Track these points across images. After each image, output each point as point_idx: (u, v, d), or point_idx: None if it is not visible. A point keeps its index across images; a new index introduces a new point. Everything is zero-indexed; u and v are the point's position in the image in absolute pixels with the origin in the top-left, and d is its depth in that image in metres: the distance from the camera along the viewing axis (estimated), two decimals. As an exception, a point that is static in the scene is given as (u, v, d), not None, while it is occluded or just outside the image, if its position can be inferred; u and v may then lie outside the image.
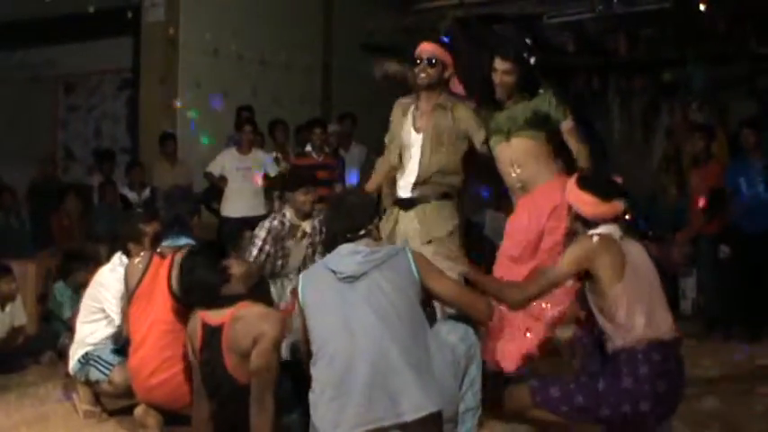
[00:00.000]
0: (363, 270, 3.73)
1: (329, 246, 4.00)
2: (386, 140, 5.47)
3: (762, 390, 5.55)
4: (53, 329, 7.16)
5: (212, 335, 4.07)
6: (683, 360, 3.89)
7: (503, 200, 11.72)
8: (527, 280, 4.27)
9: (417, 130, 5.19)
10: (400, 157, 5.22)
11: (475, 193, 12.05)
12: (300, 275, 4.02)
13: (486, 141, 5.14)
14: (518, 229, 4.97)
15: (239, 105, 9.88)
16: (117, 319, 5.03)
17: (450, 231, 5.12)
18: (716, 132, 8.86)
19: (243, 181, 9.04)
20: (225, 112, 9.99)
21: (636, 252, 3.93)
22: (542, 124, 5.04)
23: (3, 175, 10.06)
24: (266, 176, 9.13)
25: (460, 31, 10.97)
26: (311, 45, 12.17)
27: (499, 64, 5.08)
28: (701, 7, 9.68)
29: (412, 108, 5.26)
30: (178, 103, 10.17)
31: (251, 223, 8.71)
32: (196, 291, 4.21)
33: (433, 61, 5.12)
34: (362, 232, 3.90)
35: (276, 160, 9.35)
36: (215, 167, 9.16)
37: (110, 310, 5.07)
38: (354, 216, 3.94)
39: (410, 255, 3.82)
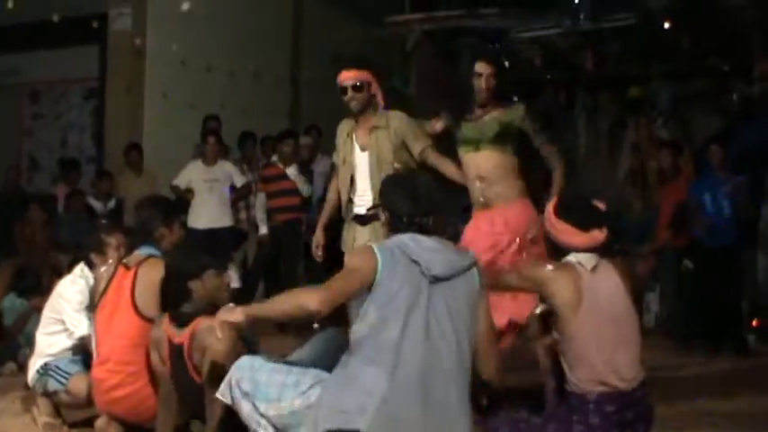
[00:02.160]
0: (451, 273, 3.38)
1: (393, 229, 3.56)
2: (335, 161, 5.58)
3: (720, 403, 5.60)
4: (14, 341, 7.07)
5: (177, 353, 4.07)
6: (649, 406, 3.67)
7: (465, 213, 11.82)
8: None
9: (362, 149, 5.27)
10: (352, 177, 5.30)
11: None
12: (377, 250, 3.39)
13: (426, 149, 5.20)
14: (469, 243, 4.92)
15: (205, 115, 9.83)
16: (77, 332, 4.98)
17: None
18: (683, 148, 8.95)
19: (209, 193, 9.00)
20: (192, 123, 9.94)
21: (607, 286, 3.64)
22: (512, 138, 5.06)
23: (-34, 184, 9.97)
24: (233, 187, 9.11)
25: (429, 45, 11.04)
26: (280, 56, 12.15)
27: (484, 68, 5.10)
28: (666, 24, 9.79)
29: (354, 128, 5.35)
30: (144, 114, 10.13)
31: (217, 234, 8.73)
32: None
33: (358, 85, 5.17)
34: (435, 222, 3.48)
35: (243, 171, 9.34)
36: (181, 180, 9.10)
37: (69, 322, 5.01)
38: (432, 201, 3.51)
39: (477, 269, 3.49)
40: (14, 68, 11.61)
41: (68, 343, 5.04)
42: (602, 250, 3.70)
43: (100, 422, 4.63)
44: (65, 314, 5.03)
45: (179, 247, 4.56)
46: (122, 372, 4.47)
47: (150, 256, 4.62)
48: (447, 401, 3.27)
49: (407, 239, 3.41)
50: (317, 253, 5.54)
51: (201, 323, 3.96)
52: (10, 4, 8.54)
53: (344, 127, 5.44)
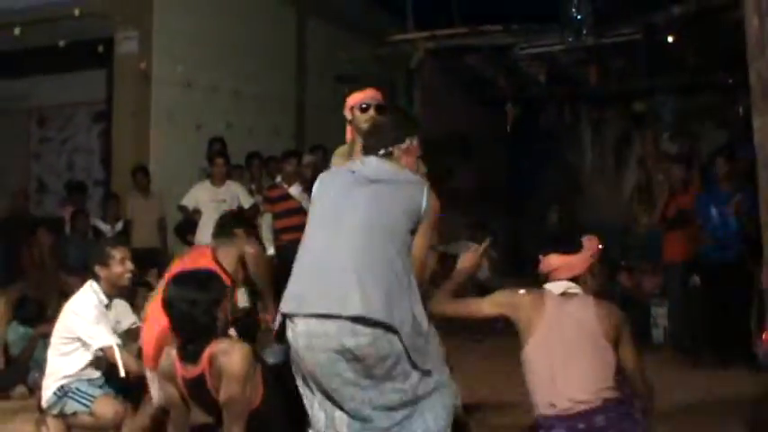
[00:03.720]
0: (381, 178, 3.62)
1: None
2: None
3: (729, 417, 5.59)
4: (24, 366, 7.09)
5: (196, 386, 4.02)
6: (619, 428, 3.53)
7: (477, 230, 11.84)
8: (458, 300, 3.93)
9: None
10: None
11: (449, 223, 12.14)
12: (320, 176, 3.87)
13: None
14: None
15: (211, 137, 9.88)
16: (94, 343, 4.96)
17: None
18: (692, 162, 8.96)
19: (216, 213, 9.01)
20: (198, 144, 9.98)
21: (572, 311, 3.62)
22: None
23: (-26, 208, 10.01)
24: (240, 209, 9.13)
25: (432, 64, 11.06)
26: (285, 76, 12.20)
27: None
28: (670, 39, 9.81)
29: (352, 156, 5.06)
30: (151, 136, 10.17)
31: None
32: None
33: (382, 106, 4.92)
34: (388, 150, 3.75)
35: (250, 192, 9.37)
36: (189, 201, 9.13)
37: (86, 335, 4.99)
38: (383, 134, 3.84)
39: (427, 192, 3.62)
40: (22, 93, 11.68)
41: (86, 359, 5.01)
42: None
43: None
44: (80, 329, 5.02)
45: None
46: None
47: None
48: (343, 279, 3.36)
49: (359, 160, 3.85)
50: None
51: (219, 345, 3.96)
52: (17, 31, 8.60)
53: (341, 157, 5.12)
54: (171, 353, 4.12)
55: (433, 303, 3.79)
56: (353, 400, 3.36)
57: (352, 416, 3.39)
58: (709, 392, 6.52)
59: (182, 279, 4.14)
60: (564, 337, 3.55)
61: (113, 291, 5.14)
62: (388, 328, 3.27)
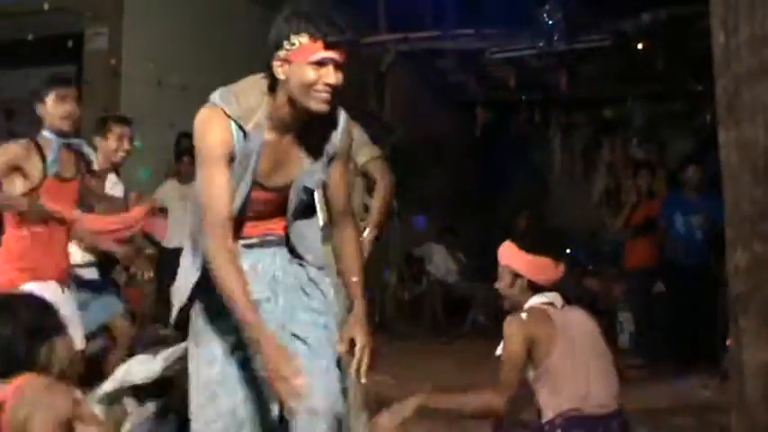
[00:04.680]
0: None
1: None
2: None
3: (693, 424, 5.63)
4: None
5: None
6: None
7: (443, 233, 11.86)
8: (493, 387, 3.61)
9: None
10: None
11: (414, 225, 12.16)
12: None
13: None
14: None
15: (179, 132, 9.80)
16: None
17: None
18: (656, 169, 9.04)
19: (183, 211, 8.95)
20: (169, 143, 9.91)
21: (576, 321, 3.64)
22: None
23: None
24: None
25: (403, 66, 11.07)
26: (256, 74, 12.15)
27: None
28: (640, 46, 9.89)
29: None
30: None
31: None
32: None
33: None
34: None
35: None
36: (156, 198, 9.05)
37: None
38: None
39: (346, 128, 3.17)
40: (-11, 86, 11.55)
41: None
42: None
43: None
44: None
45: None
46: None
47: None
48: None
49: None
50: None
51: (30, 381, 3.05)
52: (-15, 24, 8.52)
53: None
54: None
55: (499, 407, 3.52)
56: None
57: None
58: (672, 398, 6.57)
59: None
60: (582, 345, 3.55)
61: (106, 164, 5.44)
62: None
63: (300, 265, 3.16)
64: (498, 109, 12.66)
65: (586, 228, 10.93)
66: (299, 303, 3.11)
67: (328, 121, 3.04)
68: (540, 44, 9.91)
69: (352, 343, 2.96)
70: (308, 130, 3.00)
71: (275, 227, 3.14)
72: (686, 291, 7.67)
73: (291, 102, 2.90)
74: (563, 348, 3.50)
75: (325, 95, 2.82)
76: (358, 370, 2.93)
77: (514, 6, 9.89)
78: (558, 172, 13.57)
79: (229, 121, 2.92)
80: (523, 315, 3.56)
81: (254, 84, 3.04)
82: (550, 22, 9.78)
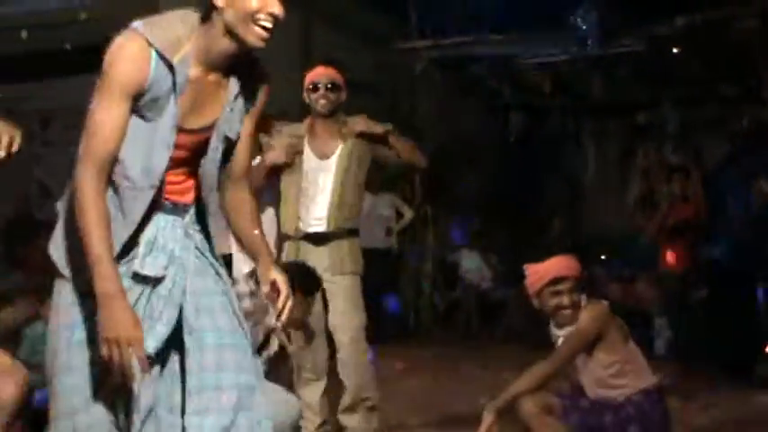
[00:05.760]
0: None
1: None
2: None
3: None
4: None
5: None
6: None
7: (476, 238, 11.83)
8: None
9: (321, 158, 4.88)
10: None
11: (449, 231, 12.15)
12: None
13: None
14: None
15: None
16: None
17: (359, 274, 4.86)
18: (691, 173, 8.95)
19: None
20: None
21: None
22: None
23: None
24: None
25: (436, 72, 11.07)
26: (290, 82, 12.19)
27: None
28: (675, 50, 9.82)
29: (306, 137, 4.96)
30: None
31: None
32: None
33: (332, 86, 4.86)
34: None
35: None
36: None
37: None
38: None
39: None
40: (25, 95, 11.66)
41: None
42: None
43: None
44: None
45: None
46: None
47: None
48: None
49: None
50: None
51: None
52: (24, 35, 8.61)
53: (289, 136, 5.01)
54: None
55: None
56: None
57: None
58: (708, 406, 6.37)
59: None
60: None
61: None
62: None
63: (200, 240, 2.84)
64: (532, 114, 12.62)
65: (620, 233, 10.86)
66: (200, 281, 2.76)
67: (256, 71, 2.86)
68: (574, 49, 9.87)
69: (273, 285, 2.75)
70: (234, 72, 2.73)
71: (184, 190, 2.80)
72: (734, 294, 7.56)
73: (227, 33, 2.58)
74: (626, 333, 4.02)
75: (267, 26, 2.57)
76: (279, 316, 2.75)
77: (548, 11, 9.87)
78: (591, 177, 13.50)
79: (150, 50, 2.56)
80: (605, 302, 4.08)
81: (185, 14, 2.63)
82: (584, 27, 9.75)
